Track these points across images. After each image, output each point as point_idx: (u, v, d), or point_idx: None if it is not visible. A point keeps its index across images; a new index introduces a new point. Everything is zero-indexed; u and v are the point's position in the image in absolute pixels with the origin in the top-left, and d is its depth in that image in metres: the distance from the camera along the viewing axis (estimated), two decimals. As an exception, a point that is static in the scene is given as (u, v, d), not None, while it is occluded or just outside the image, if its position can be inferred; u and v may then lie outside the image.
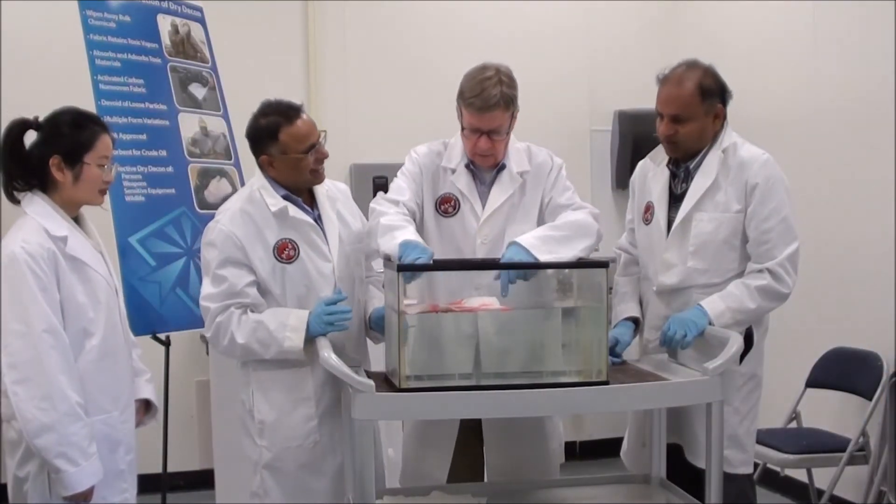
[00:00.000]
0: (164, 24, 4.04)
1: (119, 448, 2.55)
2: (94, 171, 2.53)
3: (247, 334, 2.68)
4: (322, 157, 2.77)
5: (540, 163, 2.98)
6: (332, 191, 2.90)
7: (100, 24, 3.80)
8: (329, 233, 2.81)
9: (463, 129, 2.89)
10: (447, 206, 2.95)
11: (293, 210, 2.74)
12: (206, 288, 2.74)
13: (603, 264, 2.66)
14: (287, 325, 2.67)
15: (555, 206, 2.94)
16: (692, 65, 2.90)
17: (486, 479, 3.11)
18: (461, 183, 2.94)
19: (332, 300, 2.68)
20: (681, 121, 2.85)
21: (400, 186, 2.93)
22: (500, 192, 2.93)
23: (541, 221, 2.94)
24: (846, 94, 4.30)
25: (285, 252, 2.72)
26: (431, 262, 2.59)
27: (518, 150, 2.98)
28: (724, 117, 2.90)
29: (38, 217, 2.46)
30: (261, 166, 2.79)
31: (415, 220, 2.86)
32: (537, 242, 2.69)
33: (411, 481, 3.01)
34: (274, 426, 2.76)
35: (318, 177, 2.80)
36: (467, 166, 2.95)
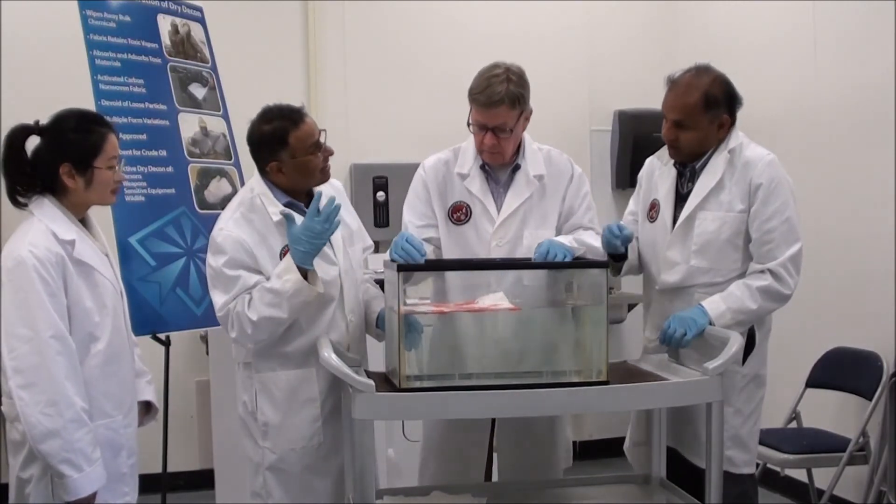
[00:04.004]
0: (164, 24, 4.03)
1: (121, 452, 2.54)
2: (106, 174, 2.52)
3: (257, 307, 2.62)
4: (328, 154, 2.76)
5: (560, 169, 3.00)
6: (330, 191, 2.89)
7: (100, 24, 3.79)
8: (333, 236, 2.78)
9: (470, 124, 2.90)
10: (459, 214, 2.97)
11: (296, 219, 2.71)
12: (220, 299, 2.68)
13: (603, 264, 2.67)
14: (279, 275, 2.61)
15: (576, 224, 2.97)
16: (703, 71, 2.88)
17: (495, 480, 3.11)
18: (475, 187, 2.95)
19: (312, 211, 2.59)
20: (683, 127, 2.85)
21: (404, 223, 2.99)
22: (515, 196, 2.95)
23: (559, 227, 2.97)
24: (846, 94, 4.30)
25: None
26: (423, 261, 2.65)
27: (535, 152, 2.99)
28: (732, 122, 2.89)
29: (46, 220, 2.44)
30: (265, 172, 2.74)
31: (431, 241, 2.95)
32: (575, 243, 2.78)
33: (444, 481, 2.99)
34: (278, 428, 2.75)
35: (326, 175, 2.79)
36: (482, 167, 2.96)
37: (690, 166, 2.93)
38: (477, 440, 3.03)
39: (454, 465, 3.02)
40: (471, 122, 2.89)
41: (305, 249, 2.60)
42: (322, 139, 2.73)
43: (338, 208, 2.61)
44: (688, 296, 2.89)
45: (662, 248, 2.94)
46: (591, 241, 2.92)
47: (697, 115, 2.83)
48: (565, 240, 2.82)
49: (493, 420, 3.03)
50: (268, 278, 2.67)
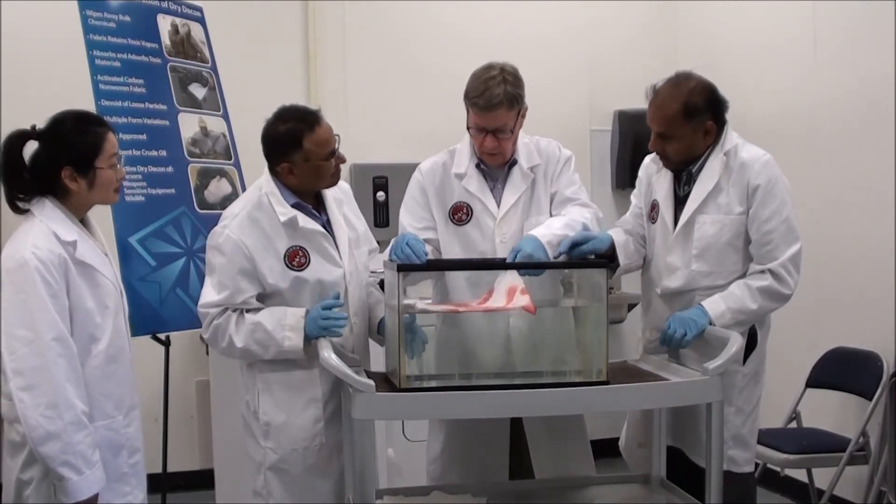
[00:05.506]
0: (164, 24, 4.03)
1: (122, 452, 2.54)
2: (108, 174, 2.51)
3: (245, 337, 2.67)
4: (341, 161, 2.77)
5: (549, 155, 3.00)
6: (338, 193, 2.90)
7: (100, 24, 3.80)
8: (339, 238, 2.80)
9: (469, 128, 2.90)
10: (460, 214, 2.97)
11: (303, 220, 2.72)
12: (208, 294, 2.70)
13: (603, 264, 2.66)
14: (285, 325, 2.66)
15: (561, 199, 2.96)
16: (684, 79, 2.86)
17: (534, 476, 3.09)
18: (472, 186, 2.95)
19: (328, 304, 2.67)
20: (667, 139, 2.84)
21: (402, 226, 2.98)
22: (513, 190, 2.95)
23: (550, 209, 2.97)
24: (846, 93, 4.30)
25: (296, 259, 2.71)
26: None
27: (526, 145, 2.99)
28: (722, 127, 2.87)
29: (47, 221, 2.44)
30: (276, 173, 2.74)
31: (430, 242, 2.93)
32: (554, 240, 2.73)
33: (464, 479, 2.99)
34: (280, 428, 2.75)
35: (336, 179, 2.80)
36: (477, 166, 2.96)
37: (687, 170, 2.92)
38: (496, 447, 3.01)
39: (479, 452, 3.00)
40: (470, 125, 2.89)
41: (312, 330, 2.65)
42: (336, 145, 2.74)
43: (335, 321, 2.65)
44: (689, 299, 2.88)
45: (663, 251, 2.94)
46: (567, 221, 2.86)
47: (680, 126, 2.82)
48: (544, 231, 2.79)
49: (513, 425, 3.01)
50: (259, 291, 2.69)
